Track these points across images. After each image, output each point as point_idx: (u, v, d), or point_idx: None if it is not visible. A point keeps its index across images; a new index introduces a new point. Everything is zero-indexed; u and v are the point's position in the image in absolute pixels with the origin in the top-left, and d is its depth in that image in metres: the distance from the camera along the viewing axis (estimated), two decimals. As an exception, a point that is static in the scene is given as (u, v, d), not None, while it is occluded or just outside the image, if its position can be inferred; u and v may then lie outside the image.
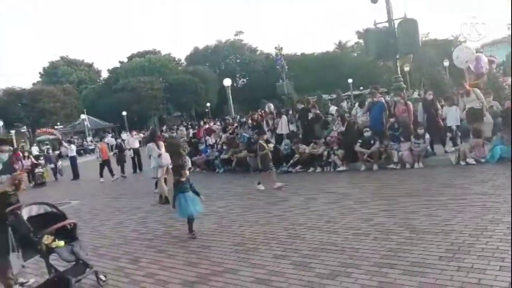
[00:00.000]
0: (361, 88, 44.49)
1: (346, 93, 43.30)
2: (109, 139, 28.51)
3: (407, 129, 10.58)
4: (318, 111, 13.32)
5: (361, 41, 59.14)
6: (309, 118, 12.96)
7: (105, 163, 15.85)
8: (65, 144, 21.47)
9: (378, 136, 10.70)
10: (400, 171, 9.73)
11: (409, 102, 11.48)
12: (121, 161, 16.74)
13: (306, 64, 54.24)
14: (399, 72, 13.87)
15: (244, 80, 64.37)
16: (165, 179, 9.68)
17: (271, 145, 10.70)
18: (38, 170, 17.19)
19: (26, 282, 5.19)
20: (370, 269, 4.16)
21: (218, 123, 22.48)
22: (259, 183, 9.58)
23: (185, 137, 22.34)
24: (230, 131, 15.83)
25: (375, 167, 10.34)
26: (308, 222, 6.29)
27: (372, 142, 10.52)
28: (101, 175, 15.84)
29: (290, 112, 15.28)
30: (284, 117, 14.02)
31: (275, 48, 40.10)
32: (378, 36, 13.07)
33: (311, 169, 11.39)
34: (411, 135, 10.25)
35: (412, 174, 9.10)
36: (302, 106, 13.99)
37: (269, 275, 4.38)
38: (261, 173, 9.72)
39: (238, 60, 64.70)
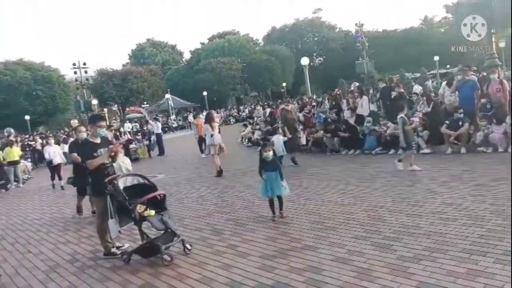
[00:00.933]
0: (448, 66, 41.31)
1: (431, 72, 40.50)
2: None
3: (502, 109, 9.68)
4: (402, 90, 12.68)
5: (449, 15, 54.80)
6: (392, 97, 12.40)
7: (202, 140, 15.15)
8: (151, 122, 22.87)
9: (468, 117, 9.94)
10: (491, 154, 8.99)
11: (504, 81, 10.45)
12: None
13: (388, 41, 51.57)
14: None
15: (322, 58, 63.09)
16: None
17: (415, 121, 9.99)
18: (132, 146, 17.75)
19: (122, 246, 5.71)
20: (458, 255, 3.95)
21: (295, 103, 22.41)
22: (399, 161, 8.90)
23: (261, 116, 22.67)
24: (307, 111, 15.72)
25: (463, 150, 9.65)
26: (389, 204, 6.11)
27: (460, 123, 9.81)
28: (202, 151, 15.63)
29: (371, 91, 14.75)
30: (365, 97, 13.57)
31: (355, 24, 38.40)
32: (471, 9, 12.03)
33: (392, 151, 10.95)
34: (505, 116, 9.37)
35: (505, 158, 8.36)
36: (384, 84, 13.42)
37: (349, 254, 4.36)
38: (405, 152, 9.05)
39: (316, 39, 63.40)
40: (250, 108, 41.68)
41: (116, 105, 48.05)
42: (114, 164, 6.18)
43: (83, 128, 7.35)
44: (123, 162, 7.22)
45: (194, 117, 19.42)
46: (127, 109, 45.76)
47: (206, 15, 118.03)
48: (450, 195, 6.15)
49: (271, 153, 6.19)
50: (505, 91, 9.98)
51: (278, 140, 10.02)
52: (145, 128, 20.28)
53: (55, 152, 12.85)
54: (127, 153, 17.80)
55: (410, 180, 7.54)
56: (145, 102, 49.27)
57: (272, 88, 56.51)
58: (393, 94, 12.34)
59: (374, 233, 4.94)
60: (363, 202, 6.45)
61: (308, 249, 4.71)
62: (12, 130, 29.25)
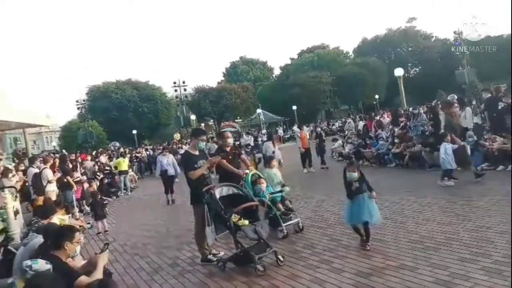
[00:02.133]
0: None
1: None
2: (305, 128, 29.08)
3: None
4: (510, 100, 11.51)
5: None
6: (499, 108, 11.31)
7: (306, 154, 14.73)
8: (244, 136, 23.72)
9: None
10: None
11: None
12: (321, 151, 15.58)
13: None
14: None
15: (417, 69, 59.96)
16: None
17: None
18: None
19: (218, 253, 5.98)
20: None
21: (387, 116, 21.58)
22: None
23: (353, 130, 22.17)
24: (403, 124, 14.99)
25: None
26: (497, 226, 5.55)
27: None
28: (304, 166, 14.93)
29: (474, 102, 13.64)
30: (468, 108, 12.56)
31: (454, 32, 35.98)
32: None
33: (501, 167, 9.94)
34: None
35: None
36: (490, 95, 12.32)
37: (452, 277, 4.06)
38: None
39: (410, 49, 60.51)
40: (340, 122, 40.99)
41: (212, 120, 50.65)
42: (265, 174, 7.20)
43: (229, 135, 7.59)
44: (275, 174, 7.51)
45: (300, 128, 17.83)
46: (222, 123, 47.92)
47: (296, 31, 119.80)
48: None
49: (356, 174, 5.47)
50: None
51: (446, 149, 8.87)
52: (239, 141, 19.71)
53: (170, 163, 12.78)
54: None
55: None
56: (238, 117, 51.18)
57: (363, 101, 55.03)
58: (500, 105, 11.26)
59: (481, 256, 4.53)
60: (467, 221, 5.96)
61: (406, 269, 4.48)
62: (117, 144, 32.47)
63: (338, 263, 5.02)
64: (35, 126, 21.28)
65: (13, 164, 13.91)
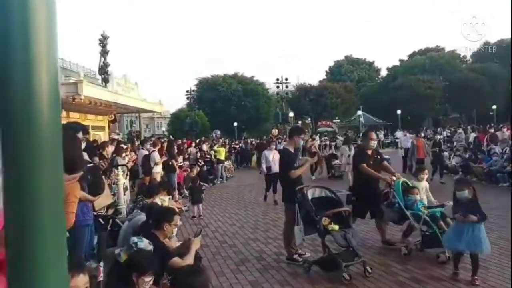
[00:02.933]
0: None
1: None
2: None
3: None
4: None
5: None
6: None
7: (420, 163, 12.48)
8: (339, 137, 23.20)
9: None
10: None
11: None
12: (439, 162, 13.74)
13: None
14: None
15: (548, 78, 52.67)
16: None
17: None
18: (335, 162, 16.12)
19: (304, 254, 5.95)
20: None
21: (506, 129, 19.38)
22: None
23: (463, 141, 20.33)
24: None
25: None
26: None
27: None
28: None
29: None
30: None
31: None
32: None
33: None
34: None
35: None
36: None
37: None
38: None
39: (541, 55, 53.33)
40: (449, 131, 37.84)
41: (309, 118, 50.50)
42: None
43: (374, 136, 6.82)
44: (423, 189, 6.37)
45: (416, 135, 15.99)
46: (319, 123, 47.48)
47: (408, 31, 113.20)
48: None
49: (466, 192, 4.75)
50: None
51: None
52: (334, 142, 18.45)
53: (275, 159, 10.56)
54: (330, 168, 16.25)
55: None
56: (336, 117, 50.24)
57: (477, 110, 50.02)
58: None
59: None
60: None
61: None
62: (218, 132, 34.06)
63: (431, 284, 4.68)
64: (149, 111, 23.44)
65: (128, 144, 15.41)
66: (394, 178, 5.92)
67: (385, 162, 6.69)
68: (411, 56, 62.18)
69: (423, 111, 49.28)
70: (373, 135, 6.73)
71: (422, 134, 18.01)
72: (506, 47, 54.40)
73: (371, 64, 70.33)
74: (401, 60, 62.89)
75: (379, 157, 6.52)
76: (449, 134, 34.92)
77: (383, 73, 66.24)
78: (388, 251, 6.04)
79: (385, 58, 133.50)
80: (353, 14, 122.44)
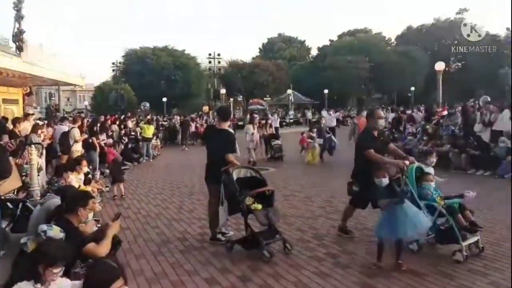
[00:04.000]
0: None
1: None
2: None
3: None
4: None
5: None
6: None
7: None
8: (269, 115, 23.52)
9: None
10: None
11: None
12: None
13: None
14: None
15: (459, 64, 57.51)
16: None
17: None
18: (275, 142, 15.37)
19: (227, 233, 6.00)
20: None
21: (420, 111, 21.01)
22: None
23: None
24: (435, 122, 14.50)
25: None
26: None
27: None
28: None
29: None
30: (506, 111, 11.97)
31: (507, 29, 34.34)
32: None
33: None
34: None
35: None
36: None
37: None
38: None
39: (456, 42, 57.87)
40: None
41: (241, 96, 50.54)
42: None
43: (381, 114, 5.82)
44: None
45: (358, 114, 15.82)
46: (250, 100, 47.77)
47: (339, 12, 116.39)
48: None
49: (385, 179, 4.51)
50: None
51: None
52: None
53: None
54: (270, 149, 15.48)
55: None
56: (267, 95, 50.84)
57: (398, 92, 53.40)
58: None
59: (497, 271, 4.38)
60: (489, 234, 5.72)
61: (411, 273, 4.38)
62: (147, 104, 32.85)
63: (345, 258, 4.96)
64: (69, 84, 21.87)
65: (45, 121, 14.32)
66: (407, 162, 4.88)
67: (392, 144, 5.90)
68: (340, 36, 64.22)
69: (348, 91, 51.53)
70: (381, 113, 5.72)
71: (364, 113, 17.11)
72: (428, 32, 58.31)
73: (302, 43, 71.62)
74: (331, 41, 64.77)
75: (383, 138, 5.64)
76: (371, 114, 36.98)
77: (314, 52, 67.96)
78: (308, 228, 6.29)
79: (316, 38, 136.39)
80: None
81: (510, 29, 33.55)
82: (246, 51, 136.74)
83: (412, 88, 49.02)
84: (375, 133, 5.51)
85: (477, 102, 18.70)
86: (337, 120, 27.27)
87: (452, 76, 50.62)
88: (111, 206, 8.28)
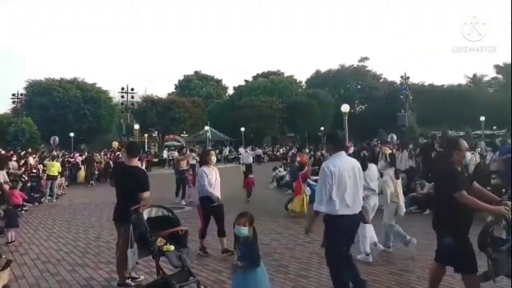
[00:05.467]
0: (495, 127, 39.96)
1: (476, 132, 39.25)
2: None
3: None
4: (440, 149, 12.26)
5: (499, 76, 53.65)
6: (432, 155, 12.00)
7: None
8: (188, 152, 23.10)
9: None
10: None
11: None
12: None
13: (433, 96, 50.66)
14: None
15: (363, 107, 62.80)
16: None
17: None
18: None
19: (137, 278, 5.62)
20: None
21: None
22: None
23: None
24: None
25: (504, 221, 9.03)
26: (419, 270, 5.73)
27: (503, 190, 9.26)
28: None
29: (410, 146, 14.36)
30: (405, 152, 13.19)
31: (401, 77, 38.50)
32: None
33: (428, 211, 10.45)
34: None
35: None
36: (425, 140, 13.06)
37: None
38: None
39: (359, 86, 63.47)
40: (285, 149, 41.79)
41: (156, 132, 49.42)
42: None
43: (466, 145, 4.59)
44: None
45: (300, 151, 14.61)
46: (166, 136, 46.87)
47: (254, 55, 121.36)
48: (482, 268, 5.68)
49: (245, 229, 4.03)
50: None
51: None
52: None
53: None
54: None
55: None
56: (184, 132, 50.42)
57: (309, 131, 56.42)
58: (433, 152, 11.96)
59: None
60: (390, 264, 6.09)
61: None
62: (57, 139, 30.49)
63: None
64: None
65: None
66: (508, 207, 4.00)
67: (476, 183, 4.56)
68: (255, 77, 66.90)
69: (263, 129, 53.19)
70: (465, 144, 4.48)
71: (307, 150, 16.28)
72: (334, 77, 63.18)
73: (219, 81, 73.19)
74: (246, 81, 67.13)
75: (466, 175, 4.54)
76: (285, 151, 38.48)
77: (230, 91, 69.67)
78: (224, 268, 6.13)
79: (232, 78, 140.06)
80: (203, 32, 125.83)
81: (404, 75, 37.38)
82: (162, 87, 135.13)
83: (322, 128, 52.14)
84: (459, 168, 4.36)
85: (379, 141, 20.37)
86: (258, 156, 27.87)
87: (357, 117, 54.93)
88: (5, 253, 7.33)
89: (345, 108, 23.97)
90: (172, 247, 5.03)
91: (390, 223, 6.81)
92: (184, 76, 70.77)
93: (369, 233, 6.32)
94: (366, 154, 8.46)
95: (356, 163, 4.55)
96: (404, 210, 7.22)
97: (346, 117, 23.63)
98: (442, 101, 48.78)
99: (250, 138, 48.80)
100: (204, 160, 7.31)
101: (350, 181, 4.34)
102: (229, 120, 50.06)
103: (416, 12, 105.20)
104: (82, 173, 21.61)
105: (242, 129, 44.78)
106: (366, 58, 64.63)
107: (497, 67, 53.24)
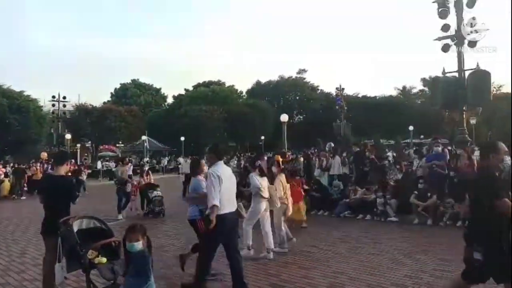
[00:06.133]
0: (422, 136, 42.91)
1: (405, 140, 41.95)
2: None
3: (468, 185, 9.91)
4: (373, 156, 12.96)
5: (426, 89, 57.83)
6: (364, 162, 12.63)
7: None
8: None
9: (436, 189, 10.13)
10: (458, 229, 9.03)
11: (473, 157, 10.81)
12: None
13: (366, 107, 53.43)
14: (464, 125, 13.25)
15: (301, 117, 64.64)
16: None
17: None
18: (155, 193, 12.76)
19: (66, 293, 5.31)
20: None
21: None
22: None
23: (236, 168, 22.63)
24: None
25: (429, 221, 9.74)
26: (351, 272, 5.97)
27: (429, 195, 9.98)
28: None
29: (345, 154, 14.99)
30: (337, 157, 13.76)
31: (336, 88, 40.15)
32: (446, 85, 12.70)
33: (360, 215, 10.96)
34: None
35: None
36: (358, 149, 13.70)
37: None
38: None
39: (298, 97, 65.32)
40: (226, 159, 41.74)
41: (90, 142, 47.16)
42: None
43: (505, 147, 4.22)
44: None
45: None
46: (101, 147, 44.91)
47: (194, 64, 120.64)
48: (412, 267, 6.06)
49: (138, 243, 3.85)
50: (473, 168, 10.27)
51: None
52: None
53: None
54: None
55: (374, 248, 7.46)
56: (120, 142, 48.64)
57: (250, 141, 56.98)
58: (365, 159, 12.60)
59: (332, 303, 4.77)
60: (325, 267, 6.29)
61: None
62: None
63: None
64: None
65: None
66: None
67: None
68: (195, 87, 66.40)
69: (204, 139, 52.82)
70: (504, 146, 4.08)
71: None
72: (274, 88, 64.57)
73: (158, 90, 71.76)
74: (186, 90, 66.42)
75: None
76: (226, 161, 38.44)
77: (170, 100, 68.52)
78: (160, 279, 5.97)
79: (172, 87, 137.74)
80: (140, 40, 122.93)
81: (340, 87, 39.02)
82: (96, 96, 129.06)
83: (262, 137, 52.90)
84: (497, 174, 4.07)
85: (316, 149, 21.08)
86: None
87: (296, 127, 56.41)
88: None
89: (284, 117, 24.52)
90: (104, 260, 4.81)
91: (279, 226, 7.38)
92: (121, 84, 68.60)
93: (249, 236, 7.03)
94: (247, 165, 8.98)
95: (230, 171, 5.67)
96: (291, 211, 7.91)
97: (285, 127, 24.17)
98: (375, 111, 51.58)
99: (190, 147, 48.23)
100: (195, 171, 6.60)
101: (229, 184, 5.28)
102: (168, 130, 49.10)
103: (352, 24, 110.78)
104: (6, 185, 20.09)
105: (182, 138, 44.17)
106: (304, 70, 66.82)
107: (423, 80, 57.41)
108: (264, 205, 7.09)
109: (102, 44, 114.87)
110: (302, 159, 16.42)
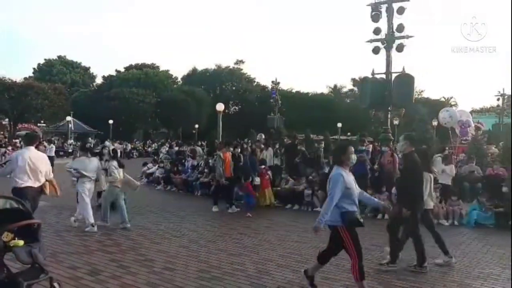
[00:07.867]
0: (349, 134, 45.15)
1: (334, 137, 43.88)
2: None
3: (391, 180, 10.63)
4: (303, 149, 13.41)
5: (355, 88, 60.82)
6: (295, 154, 13.02)
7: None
8: (44, 143, 20.93)
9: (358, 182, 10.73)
10: (380, 221, 9.63)
11: (395, 154, 11.60)
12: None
13: (299, 102, 55.02)
14: (388, 124, 14.11)
15: (237, 108, 64.82)
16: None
17: None
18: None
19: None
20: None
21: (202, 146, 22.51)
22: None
23: (167, 155, 22.22)
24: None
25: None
26: (279, 259, 6.16)
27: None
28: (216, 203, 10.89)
29: (277, 145, 15.33)
30: (270, 149, 14.04)
31: (272, 82, 40.82)
32: (374, 85, 13.37)
33: (289, 205, 11.32)
34: (393, 187, 10.27)
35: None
36: (289, 141, 14.08)
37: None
38: None
39: (234, 88, 65.30)
40: (156, 145, 40.68)
41: (7, 120, 43.39)
42: None
43: None
44: None
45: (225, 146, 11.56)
46: (20, 125, 41.54)
47: (128, 45, 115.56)
48: (339, 256, 6.38)
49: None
50: (394, 164, 11.04)
51: None
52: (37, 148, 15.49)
53: None
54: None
55: (299, 236, 7.76)
56: (42, 121, 45.33)
57: (184, 128, 55.97)
58: (296, 151, 13.00)
59: (258, 287, 4.89)
60: (253, 254, 6.42)
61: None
62: None
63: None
64: None
65: None
66: None
67: None
68: (127, 68, 63.64)
69: (135, 123, 51.05)
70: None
71: (231, 149, 11.97)
72: (211, 76, 63.91)
73: (86, 69, 67.87)
74: (117, 71, 63.44)
75: None
76: (156, 147, 37.52)
77: (99, 80, 65.06)
78: (83, 264, 5.72)
79: (102, 67, 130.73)
80: (70, 14, 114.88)
81: (275, 80, 39.72)
82: (17, 70, 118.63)
83: (197, 126, 52.28)
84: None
85: (249, 140, 21.30)
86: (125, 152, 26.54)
87: (232, 117, 56.51)
88: None
89: (220, 107, 24.41)
90: (21, 242, 4.50)
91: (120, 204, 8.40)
92: (46, 60, 63.80)
93: (88, 213, 7.97)
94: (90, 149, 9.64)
95: (42, 155, 6.83)
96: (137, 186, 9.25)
97: (221, 116, 24.11)
98: (307, 107, 53.26)
99: (119, 131, 46.36)
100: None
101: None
102: (96, 112, 46.61)
103: (292, 20, 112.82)
104: None
105: (111, 121, 42.28)
106: (241, 61, 66.87)
107: (353, 80, 60.28)
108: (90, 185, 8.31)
109: (26, 16, 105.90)
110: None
